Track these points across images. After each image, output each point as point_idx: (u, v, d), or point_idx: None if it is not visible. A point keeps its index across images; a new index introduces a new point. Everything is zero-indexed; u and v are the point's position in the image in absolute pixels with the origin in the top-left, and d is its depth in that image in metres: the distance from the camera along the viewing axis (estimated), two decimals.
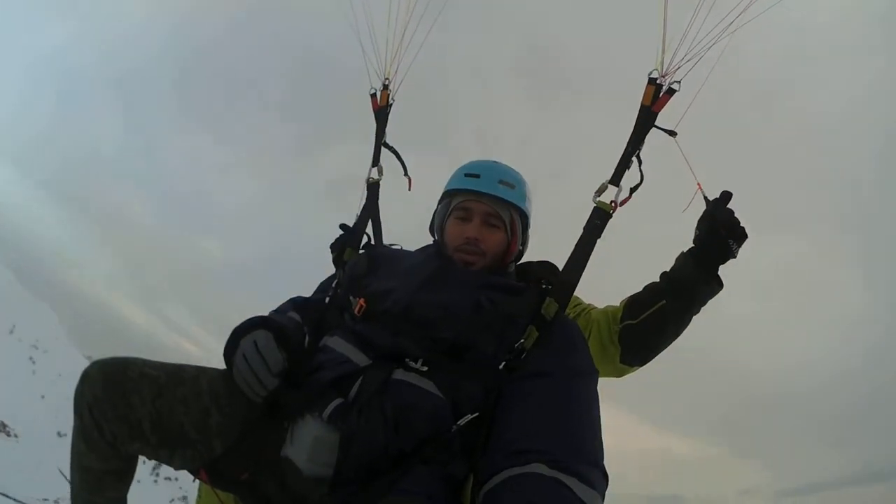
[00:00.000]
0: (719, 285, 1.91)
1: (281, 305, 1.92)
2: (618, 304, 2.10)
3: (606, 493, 1.31)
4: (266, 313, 1.80)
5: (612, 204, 1.80)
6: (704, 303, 1.95)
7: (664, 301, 1.93)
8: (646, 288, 2.03)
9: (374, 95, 2.53)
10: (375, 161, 2.38)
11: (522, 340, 1.57)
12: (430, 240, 2.08)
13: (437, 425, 1.46)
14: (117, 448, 1.55)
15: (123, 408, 1.50)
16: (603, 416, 1.50)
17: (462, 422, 1.45)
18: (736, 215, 1.85)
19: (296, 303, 1.92)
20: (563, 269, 1.76)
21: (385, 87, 2.50)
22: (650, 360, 2.07)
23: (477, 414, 1.46)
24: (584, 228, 1.78)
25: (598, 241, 1.78)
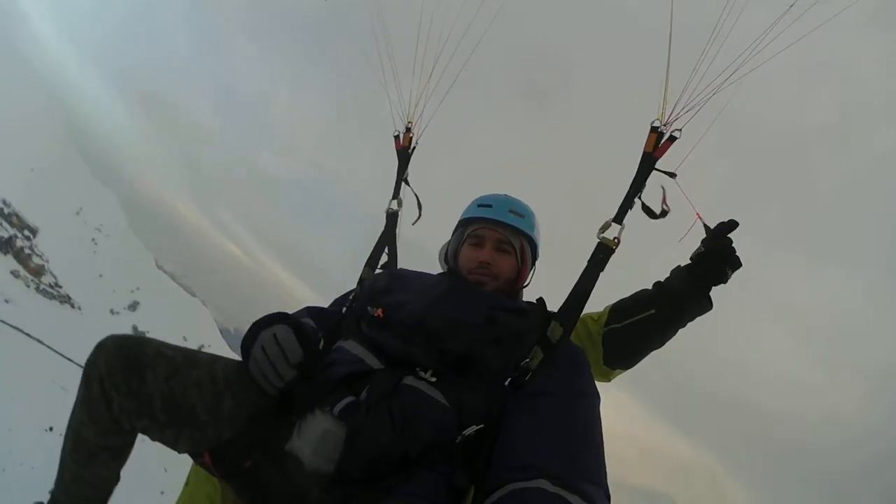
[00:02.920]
0: (710, 305, 1.97)
1: (296, 312, 1.97)
2: (602, 310, 2.15)
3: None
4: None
5: (615, 241, 1.90)
6: (692, 319, 2.01)
7: (653, 310, 2.00)
8: (634, 295, 2.09)
9: (397, 137, 2.71)
10: (395, 195, 2.55)
11: (528, 360, 1.65)
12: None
13: (441, 433, 1.50)
14: (121, 424, 1.55)
15: (137, 383, 1.50)
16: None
17: (467, 432, 1.50)
18: (734, 245, 1.93)
19: (311, 310, 2.00)
20: (567, 298, 1.84)
21: (408, 129, 2.69)
22: (633, 364, 2.11)
23: (482, 426, 1.51)
24: (588, 262, 1.89)
25: (601, 273, 1.87)
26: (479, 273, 2.00)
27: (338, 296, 2.25)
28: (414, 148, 2.69)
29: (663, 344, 2.07)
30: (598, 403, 1.62)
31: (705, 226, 1.97)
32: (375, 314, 1.81)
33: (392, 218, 2.48)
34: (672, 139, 1.96)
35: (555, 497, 1.24)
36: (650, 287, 2.09)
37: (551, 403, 1.53)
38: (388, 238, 2.42)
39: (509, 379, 1.61)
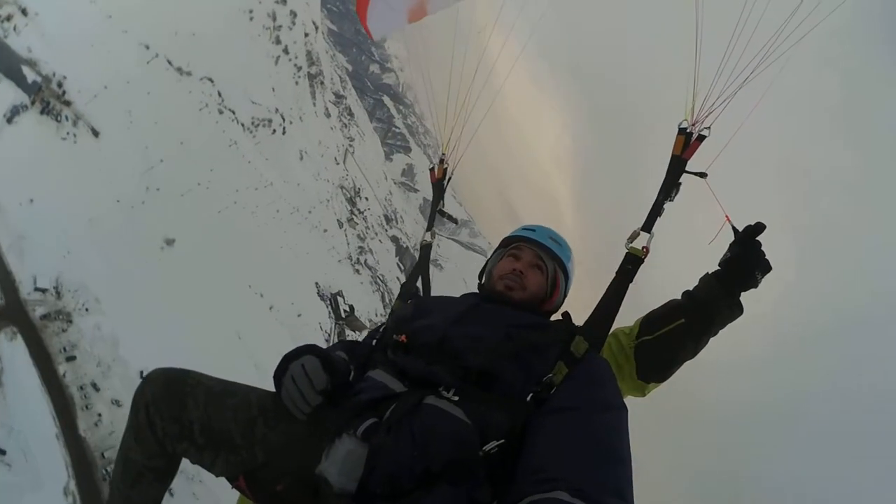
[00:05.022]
0: (740, 310, 1.88)
1: (329, 347, 2.07)
2: (632, 323, 2.09)
3: None
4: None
5: (644, 250, 1.86)
6: (724, 325, 1.92)
7: (683, 319, 1.92)
8: (665, 305, 2.03)
9: (432, 170, 2.76)
10: (430, 226, 2.60)
11: (551, 375, 1.63)
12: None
13: (463, 449, 1.51)
14: (164, 446, 1.70)
15: (178, 408, 1.67)
16: None
17: (488, 447, 1.50)
18: (763, 248, 1.84)
19: (344, 344, 2.08)
20: (594, 311, 1.81)
21: (441, 161, 2.74)
22: (669, 376, 2.03)
23: (503, 441, 1.51)
24: (617, 273, 1.85)
25: (630, 285, 1.83)
26: (510, 279, 2.06)
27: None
28: (449, 179, 2.73)
29: (696, 353, 1.98)
30: (626, 416, 1.58)
31: (734, 228, 1.89)
32: (400, 339, 1.86)
33: (426, 249, 2.52)
34: (701, 138, 1.91)
35: None
36: (679, 296, 2.01)
37: (574, 417, 1.51)
38: (422, 268, 2.46)
39: (531, 394, 1.61)
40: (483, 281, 2.26)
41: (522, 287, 2.05)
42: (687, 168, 1.91)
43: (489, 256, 2.34)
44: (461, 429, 1.54)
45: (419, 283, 2.45)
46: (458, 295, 2.19)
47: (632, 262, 1.84)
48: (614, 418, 1.54)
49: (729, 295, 1.87)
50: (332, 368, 1.68)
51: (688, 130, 1.93)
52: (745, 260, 1.85)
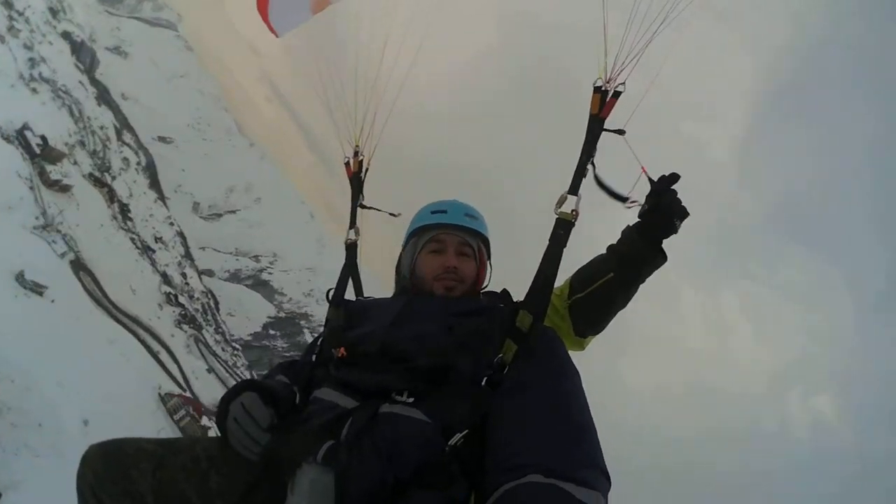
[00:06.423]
0: (663, 258, 1.94)
1: (269, 371, 2.00)
2: (562, 283, 2.11)
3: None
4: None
5: (574, 213, 1.83)
6: (650, 273, 1.99)
7: (612, 274, 1.97)
8: (592, 262, 2.07)
9: (347, 164, 2.59)
10: (352, 223, 2.43)
11: (501, 355, 1.62)
12: None
13: (428, 449, 1.48)
14: None
15: (125, 482, 1.55)
16: None
17: (453, 441, 1.47)
18: (678, 196, 1.89)
19: (283, 366, 1.99)
20: (533, 281, 1.77)
21: (356, 153, 2.57)
22: (603, 327, 2.11)
23: (466, 431, 1.48)
24: (550, 240, 1.81)
25: (564, 250, 1.80)
26: (448, 279, 1.98)
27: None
28: (366, 171, 2.57)
29: (628, 302, 2.06)
30: (580, 381, 1.59)
31: (650, 179, 1.91)
32: (339, 354, 1.80)
33: (351, 249, 2.36)
34: (617, 95, 1.90)
35: (548, 486, 1.24)
36: (604, 251, 2.07)
37: (530, 396, 1.51)
38: (350, 270, 2.31)
39: (485, 378, 1.59)
40: (406, 276, 2.14)
41: (460, 281, 1.99)
42: (605, 126, 1.89)
43: (402, 249, 2.23)
44: (423, 428, 1.51)
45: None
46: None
47: (563, 227, 1.81)
48: (570, 386, 1.56)
49: (651, 245, 1.92)
50: (273, 400, 1.64)
51: (603, 89, 1.91)
52: (663, 209, 1.88)
